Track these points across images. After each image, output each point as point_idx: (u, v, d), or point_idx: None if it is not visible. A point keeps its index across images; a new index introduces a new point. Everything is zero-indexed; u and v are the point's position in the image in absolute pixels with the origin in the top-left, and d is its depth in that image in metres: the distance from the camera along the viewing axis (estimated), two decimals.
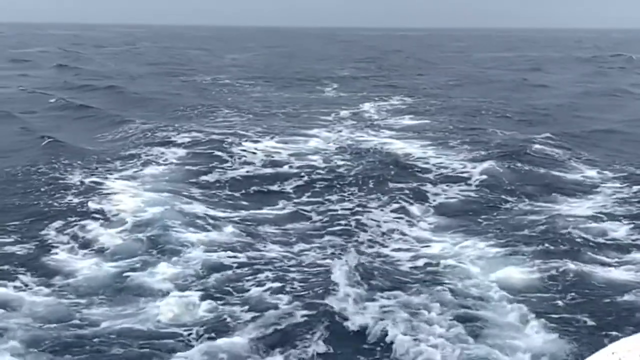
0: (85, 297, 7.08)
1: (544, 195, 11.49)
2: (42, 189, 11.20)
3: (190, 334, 6.40)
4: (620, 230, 9.51)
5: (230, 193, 11.66)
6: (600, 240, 9.13)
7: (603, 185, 12.07)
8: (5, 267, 7.76)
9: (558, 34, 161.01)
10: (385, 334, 6.25)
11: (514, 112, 22.12)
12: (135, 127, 17.53)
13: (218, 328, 6.50)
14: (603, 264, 8.24)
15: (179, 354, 6.03)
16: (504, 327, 6.54)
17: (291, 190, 11.84)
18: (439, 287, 7.43)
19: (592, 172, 12.99)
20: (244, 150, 14.69)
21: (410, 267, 8.16)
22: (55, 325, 6.44)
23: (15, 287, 7.23)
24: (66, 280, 7.50)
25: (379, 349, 6.09)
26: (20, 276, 7.53)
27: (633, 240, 9.13)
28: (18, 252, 8.29)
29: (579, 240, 9.02)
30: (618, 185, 11.99)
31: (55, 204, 10.29)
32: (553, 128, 18.23)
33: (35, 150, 14.58)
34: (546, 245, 8.77)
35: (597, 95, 26.53)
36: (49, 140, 15.34)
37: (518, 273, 7.87)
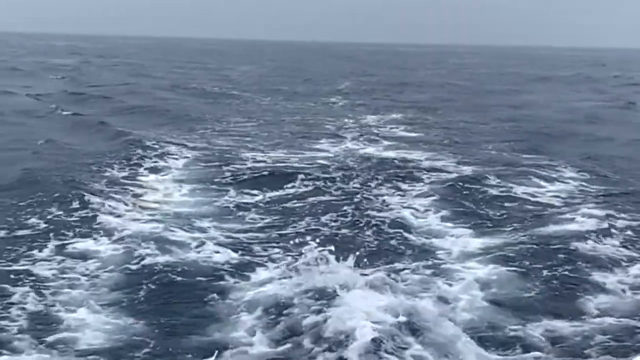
0: (136, 247, 8.82)
1: (520, 183, 13.39)
2: (81, 171, 12.79)
3: (226, 271, 8.22)
4: (576, 203, 11.73)
5: (246, 181, 13.14)
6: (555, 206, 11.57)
7: (574, 182, 13.77)
8: (77, 230, 9.58)
9: (566, 52, 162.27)
10: (378, 281, 7.66)
11: (510, 126, 22.94)
12: (144, 131, 17.94)
13: (248, 268, 8.35)
14: (558, 224, 10.35)
15: (216, 283, 7.85)
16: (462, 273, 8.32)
17: (306, 177, 13.39)
18: (419, 243, 9.52)
19: (570, 173, 14.59)
20: (258, 152, 16.05)
21: (402, 231, 10.06)
22: (117, 267, 8.21)
23: (85, 243, 9.08)
24: (119, 236, 9.29)
25: (368, 284, 7.53)
26: (88, 234, 9.41)
27: (588, 208, 11.23)
28: (78, 218, 10.13)
29: (539, 210, 11.38)
30: (585, 182, 13.74)
31: (94, 185, 11.98)
32: (546, 141, 19.50)
33: (50, 148, 15.71)
34: (511, 215, 11.16)
35: (595, 112, 26.92)
36: (60, 141, 16.63)
37: (483, 235, 10.00)
